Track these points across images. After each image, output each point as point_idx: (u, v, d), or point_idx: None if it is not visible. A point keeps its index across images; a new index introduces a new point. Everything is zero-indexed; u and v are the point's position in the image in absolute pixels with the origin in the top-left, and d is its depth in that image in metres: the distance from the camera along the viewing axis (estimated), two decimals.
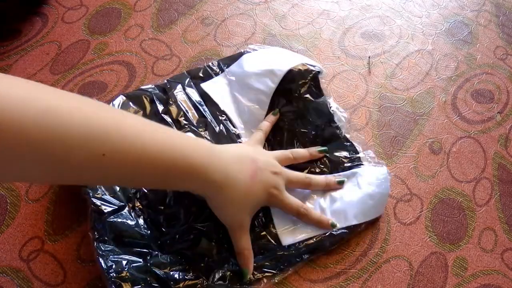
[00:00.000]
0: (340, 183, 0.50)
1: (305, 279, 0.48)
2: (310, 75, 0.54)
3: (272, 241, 0.47)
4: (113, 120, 0.36)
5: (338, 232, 0.48)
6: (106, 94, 0.58)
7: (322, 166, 0.51)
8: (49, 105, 0.32)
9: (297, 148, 0.52)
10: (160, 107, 0.53)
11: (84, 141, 0.33)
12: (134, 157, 0.36)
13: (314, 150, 0.52)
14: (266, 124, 0.53)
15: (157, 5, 0.66)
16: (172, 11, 0.66)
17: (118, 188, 0.48)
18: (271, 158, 0.48)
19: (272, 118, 0.54)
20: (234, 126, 0.54)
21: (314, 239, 0.47)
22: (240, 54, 0.59)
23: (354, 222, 0.48)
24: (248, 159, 0.45)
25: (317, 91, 0.54)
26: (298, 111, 0.54)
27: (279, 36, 0.64)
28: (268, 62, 0.55)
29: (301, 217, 0.48)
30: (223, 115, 0.55)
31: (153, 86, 0.55)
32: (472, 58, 0.64)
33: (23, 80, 0.32)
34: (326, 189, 0.50)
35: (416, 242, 0.50)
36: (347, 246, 0.49)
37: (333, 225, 0.48)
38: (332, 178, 0.50)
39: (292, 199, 0.47)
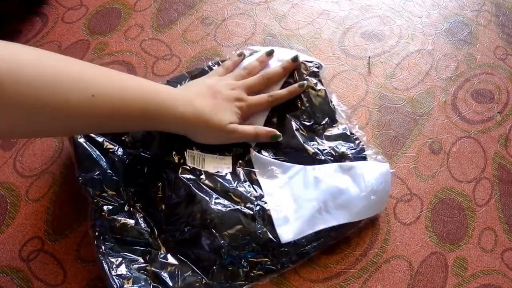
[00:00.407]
0: (301, 86, 0.53)
1: (305, 279, 0.48)
2: (308, 70, 0.55)
3: (272, 237, 0.46)
4: (98, 68, 0.42)
5: (338, 226, 0.47)
6: None
7: (328, 156, 0.51)
8: (34, 59, 0.36)
9: (299, 140, 0.52)
10: None
11: (74, 83, 0.38)
12: (120, 98, 0.41)
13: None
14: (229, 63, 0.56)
15: (157, 5, 0.66)
16: (172, 11, 0.66)
17: (119, 187, 0.48)
18: (229, 80, 0.52)
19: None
20: None
21: (313, 235, 0.47)
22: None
23: (357, 219, 0.48)
24: (204, 87, 0.50)
25: (317, 83, 0.55)
26: (299, 102, 0.54)
27: (279, 36, 0.64)
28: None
29: (273, 103, 0.53)
30: None
31: None
32: (472, 58, 0.64)
33: (7, 42, 0.36)
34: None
35: (416, 242, 0.50)
36: (347, 246, 0.49)
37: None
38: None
39: (258, 96, 0.52)
